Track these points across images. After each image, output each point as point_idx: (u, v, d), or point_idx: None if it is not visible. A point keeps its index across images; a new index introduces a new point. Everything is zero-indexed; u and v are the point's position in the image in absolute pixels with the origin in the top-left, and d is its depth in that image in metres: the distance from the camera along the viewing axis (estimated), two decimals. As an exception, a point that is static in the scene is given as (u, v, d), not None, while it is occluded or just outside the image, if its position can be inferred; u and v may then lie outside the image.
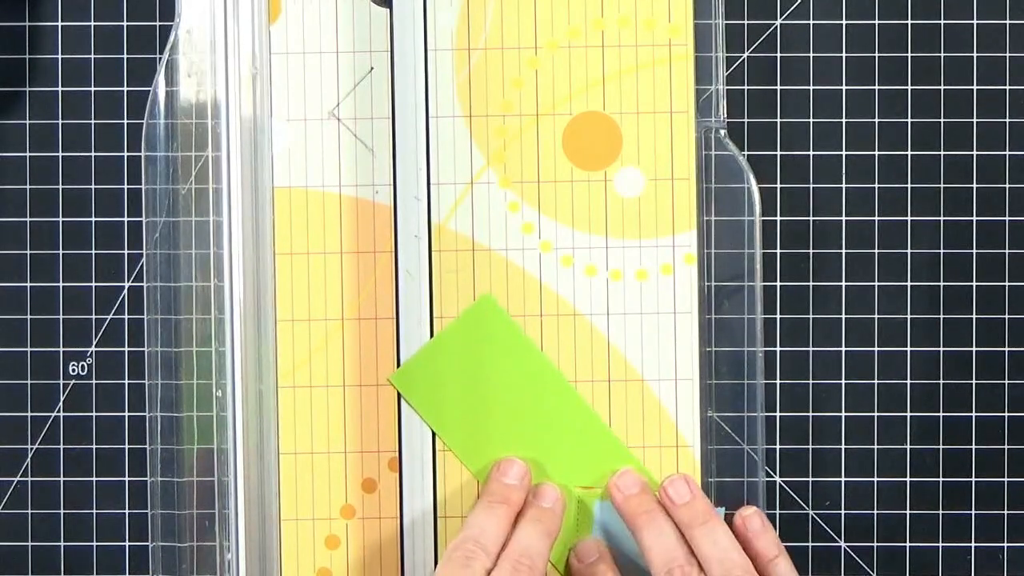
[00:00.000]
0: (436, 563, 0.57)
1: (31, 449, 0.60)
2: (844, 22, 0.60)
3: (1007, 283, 0.60)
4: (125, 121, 0.60)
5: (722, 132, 0.58)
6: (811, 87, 0.60)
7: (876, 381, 0.60)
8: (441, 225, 0.58)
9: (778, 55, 0.60)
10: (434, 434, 0.58)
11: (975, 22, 0.59)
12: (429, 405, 0.57)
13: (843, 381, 0.60)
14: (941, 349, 0.60)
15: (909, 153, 0.60)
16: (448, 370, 0.57)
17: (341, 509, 0.58)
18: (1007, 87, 0.59)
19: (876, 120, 0.60)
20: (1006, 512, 0.60)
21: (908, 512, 0.60)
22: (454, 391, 0.57)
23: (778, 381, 0.60)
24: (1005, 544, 0.60)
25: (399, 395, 0.58)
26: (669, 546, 0.54)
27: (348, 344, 0.58)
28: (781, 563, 0.55)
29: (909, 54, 0.60)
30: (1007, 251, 0.60)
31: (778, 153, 0.60)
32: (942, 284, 0.60)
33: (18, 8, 0.60)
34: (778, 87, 0.60)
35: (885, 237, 0.60)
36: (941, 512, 0.60)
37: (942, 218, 0.60)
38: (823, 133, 0.60)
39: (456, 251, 0.58)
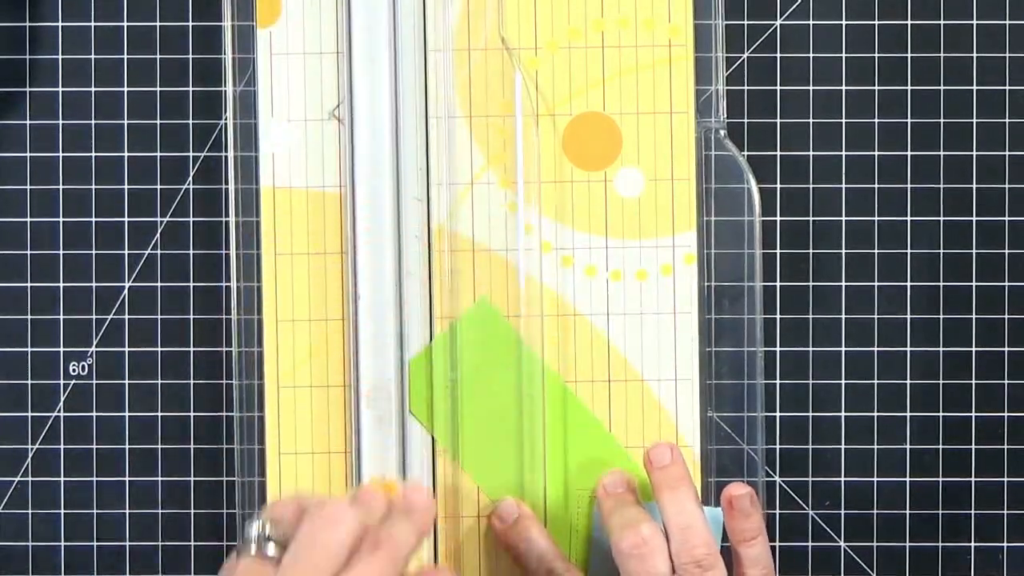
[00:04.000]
0: (436, 563, 0.57)
1: (31, 449, 0.60)
2: (844, 22, 0.60)
3: (1007, 283, 0.59)
4: (126, 121, 0.60)
5: (722, 132, 0.58)
6: (811, 87, 0.60)
7: (876, 381, 0.60)
8: (441, 225, 0.58)
9: (778, 55, 0.60)
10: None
11: (975, 22, 0.59)
12: (426, 409, 0.57)
13: (843, 381, 0.60)
14: (941, 349, 0.60)
15: (909, 153, 0.60)
16: (444, 374, 0.57)
17: (341, 509, 0.58)
18: (1007, 87, 0.59)
19: (876, 120, 0.60)
20: (1006, 512, 0.60)
21: (908, 512, 0.60)
22: (451, 395, 0.57)
23: (778, 381, 0.60)
24: (1005, 544, 0.60)
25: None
26: (633, 520, 0.53)
27: (348, 344, 0.58)
28: (757, 545, 0.54)
29: (909, 54, 0.60)
30: (1007, 251, 0.59)
31: (778, 153, 0.60)
32: (942, 284, 0.60)
33: (18, 8, 0.60)
34: (778, 87, 0.60)
35: (885, 237, 0.60)
36: (941, 512, 0.60)
37: (942, 218, 0.60)
38: (823, 133, 0.60)
39: (456, 251, 0.58)
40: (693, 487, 0.54)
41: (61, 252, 0.60)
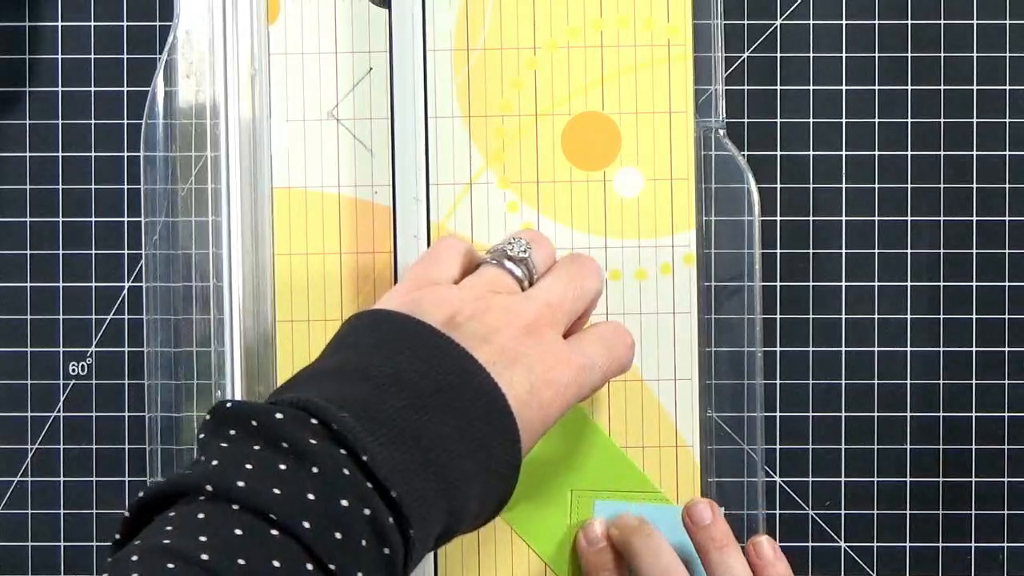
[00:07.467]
0: (436, 563, 0.57)
1: (31, 449, 0.60)
2: (844, 22, 0.60)
3: (1007, 283, 0.59)
4: (125, 121, 0.60)
5: (721, 132, 0.58)
6: (811, 87, 0.60)
7: (876, 381, 0.60)
8: (440, 225, 0.58)
9: (778, 55, 0.60)
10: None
11: (975, 22, 0.59)
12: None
13: (843, 381, 0.60)
14: (941, 349, 0.60)
15: (909, 153, 0.60)
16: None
17: (340, 509, 0.58)
18: (1007, 87, 0.59)
19: (876, 120, 0.60)
20: (1006, 512, 0.60)
21: (908, 512, 0.60)
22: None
23: (778, 381, 0.60)
24: (1005, 544, 0.60)
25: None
26: (666, 565, 0.54)
27: None
28: None
29: (909, 54, 0.60)
30: (1007, 251, 0.59)
31: (778, 153, 0.60)
32: (942, 284, 0.60)
33: (18, 8, 0.60)
34: (778, 87, 0.60)
35: (885, 237, 0.60)
36: (941, 512, 0.60)
37: (942, 218, 0.60)
38: (823, 133, 0.60)
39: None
40: (737, 544, 0.55)
41: (61, 252, 0.60)
